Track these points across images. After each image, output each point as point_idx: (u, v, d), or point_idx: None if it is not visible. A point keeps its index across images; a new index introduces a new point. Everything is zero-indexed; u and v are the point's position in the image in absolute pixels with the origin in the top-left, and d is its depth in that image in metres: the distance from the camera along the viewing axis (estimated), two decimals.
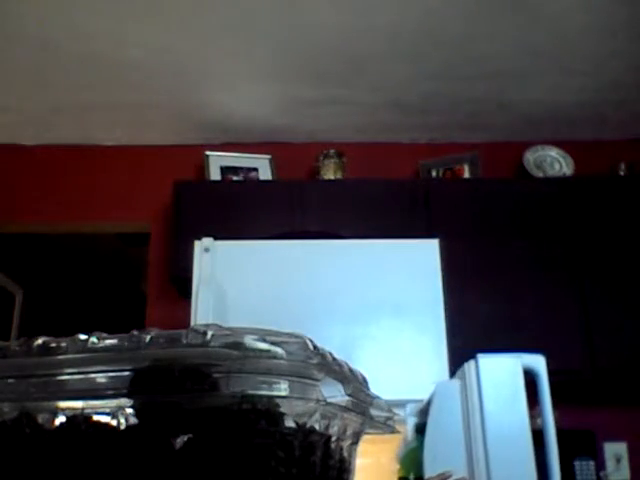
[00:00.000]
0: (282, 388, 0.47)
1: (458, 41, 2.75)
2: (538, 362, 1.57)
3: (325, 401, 0.49)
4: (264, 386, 0.46)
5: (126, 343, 0.49)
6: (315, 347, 0.50)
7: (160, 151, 3.52)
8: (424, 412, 1.52)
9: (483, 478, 1.39)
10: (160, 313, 3.24)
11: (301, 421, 0.50)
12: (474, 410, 1.46)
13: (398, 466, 1.40)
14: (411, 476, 1.38)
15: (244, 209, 3.01)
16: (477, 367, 1.50)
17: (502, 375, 1.52)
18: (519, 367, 1.52)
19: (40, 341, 0.52)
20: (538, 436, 2.93)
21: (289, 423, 0.49)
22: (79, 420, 0.49)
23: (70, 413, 0.49)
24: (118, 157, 3.53)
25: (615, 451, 3.02)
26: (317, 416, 0.51)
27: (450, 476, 1.34)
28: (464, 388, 1.51)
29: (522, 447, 1.44)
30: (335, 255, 2.30)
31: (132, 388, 0.47)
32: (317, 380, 0.48)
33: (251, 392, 0.46)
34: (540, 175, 3.27)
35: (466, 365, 1.53)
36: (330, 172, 3.24)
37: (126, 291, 5.05)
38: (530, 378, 1.56)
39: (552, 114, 3.30)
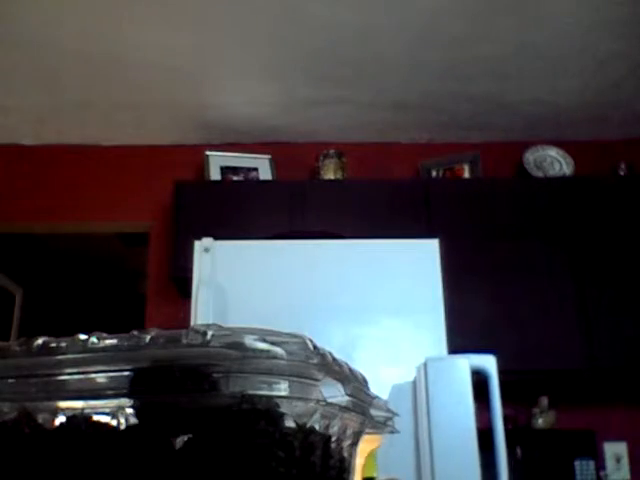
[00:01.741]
0: (282, 388, 0.47)
1: (458, 41, 2.75)
2: (488, 362, 1.58)
3: (325, 401, 0.49)
4: (264, 386, 0.46)
5: (126, 343, 0.49)
6: (315, 347, 0.50)
7: (160, 151, 3.52)
8: None
9: (428, 477, 1.40)
10: (160, 313, 3.24)
11: (301, 421, 0.49)
12: (422, 411, 1.48)
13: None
14: (375, 476, 1.39)
15: (244, 209, 3.01)
16: (425, 369, 1.52)
17: (449, 376, 1.54)
18: (467, 368, 1.54)
19: (40, 341, 0.52)
20: (538, 436, 2.93)
21: (289, 423, 0.49)
22: (79, 420, 0.48)
23: (70, 413, 0.49)
24: (118, 157, 3.53)
25: (615, 451, 3.03)
26: (317, 416, 0.50)
27: None
28: (414, 389, 1.53)
29: (467, 446, 1.45)
30: (335, 255, 2.30)
31: (132, 388, 0.47)
32: (317, 380, 0.48)
33: (251, 392, 0.46)
34: (540, 175, 3.27)
35: (417, 367, 1.55)
36: (330, 172, 3.24)
37: (125, 291, 5.05)
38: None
39: (552, 114, 3.30)
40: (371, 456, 1.34)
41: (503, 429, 1.53)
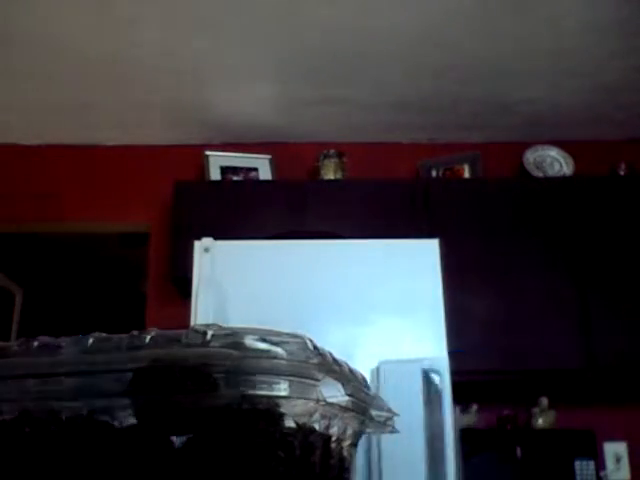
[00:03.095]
0: (282, 388, 0.47)
1: (458, 41, 2.75)
2: (440, 364, 1.60)
3: (325, 401, 0.49)
4: (264, 386, 0.46)
5: (126, 343, 0.49)
6: (315, 347, 0.50)
7: (160, 151, 3.52)
8: None
9: (376, 478, 1.42)
10: (160, 313, 3.24)
11: (301, 421, 0.49)
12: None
13: None
14: None
15: (244, 209, 3.01)
16: (378, 373, 1.53)
17: (401, 380, 1.55)
18: (418, 371, 1.55)
19: (40, 341, 0.52)
20: (538, 436, 2.92)
21: (289, 423, 0.49)
22: (79, 420, 0.49)
23: (70, 413, 0.49)
24: (118, 157, 3.53)
25: (615, 451, 3.02)
26: (317, 416, 0.51)
27: None
28: None
29: (414, 448, 1.45)
30: (335, 255, 2.30)
31: (132, 388, 0.47)
32: (317, 380, 0.48)
33: (251, 392, 0.46)
34: (540, 175, 3.27)
35: (370, 371, 1.56)
36: (330, 172, 3.23)
37: (126, 292, 5.05)
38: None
39: (552, 114, 3.30)
40: None
41: (453, 434, 1.53)
